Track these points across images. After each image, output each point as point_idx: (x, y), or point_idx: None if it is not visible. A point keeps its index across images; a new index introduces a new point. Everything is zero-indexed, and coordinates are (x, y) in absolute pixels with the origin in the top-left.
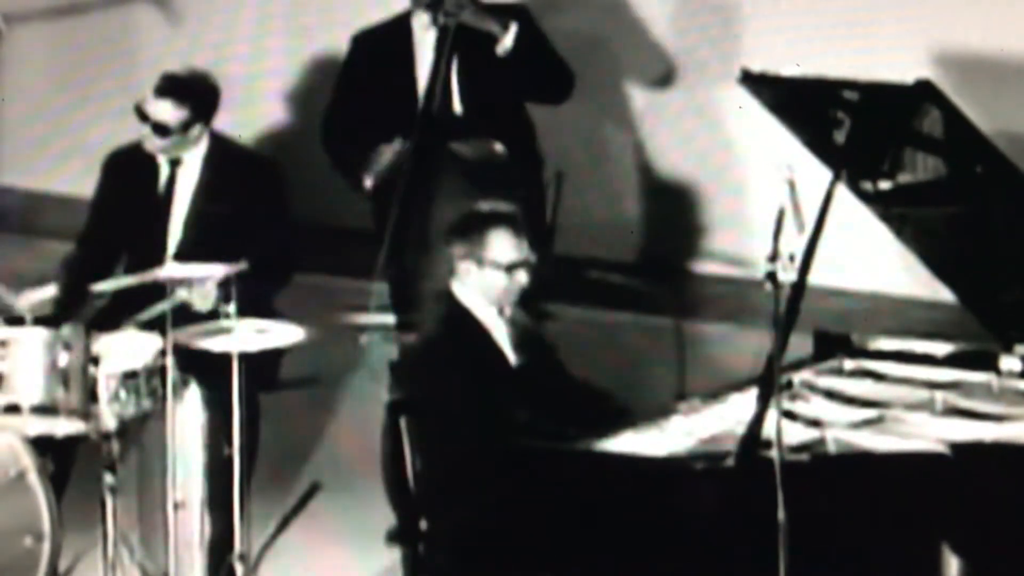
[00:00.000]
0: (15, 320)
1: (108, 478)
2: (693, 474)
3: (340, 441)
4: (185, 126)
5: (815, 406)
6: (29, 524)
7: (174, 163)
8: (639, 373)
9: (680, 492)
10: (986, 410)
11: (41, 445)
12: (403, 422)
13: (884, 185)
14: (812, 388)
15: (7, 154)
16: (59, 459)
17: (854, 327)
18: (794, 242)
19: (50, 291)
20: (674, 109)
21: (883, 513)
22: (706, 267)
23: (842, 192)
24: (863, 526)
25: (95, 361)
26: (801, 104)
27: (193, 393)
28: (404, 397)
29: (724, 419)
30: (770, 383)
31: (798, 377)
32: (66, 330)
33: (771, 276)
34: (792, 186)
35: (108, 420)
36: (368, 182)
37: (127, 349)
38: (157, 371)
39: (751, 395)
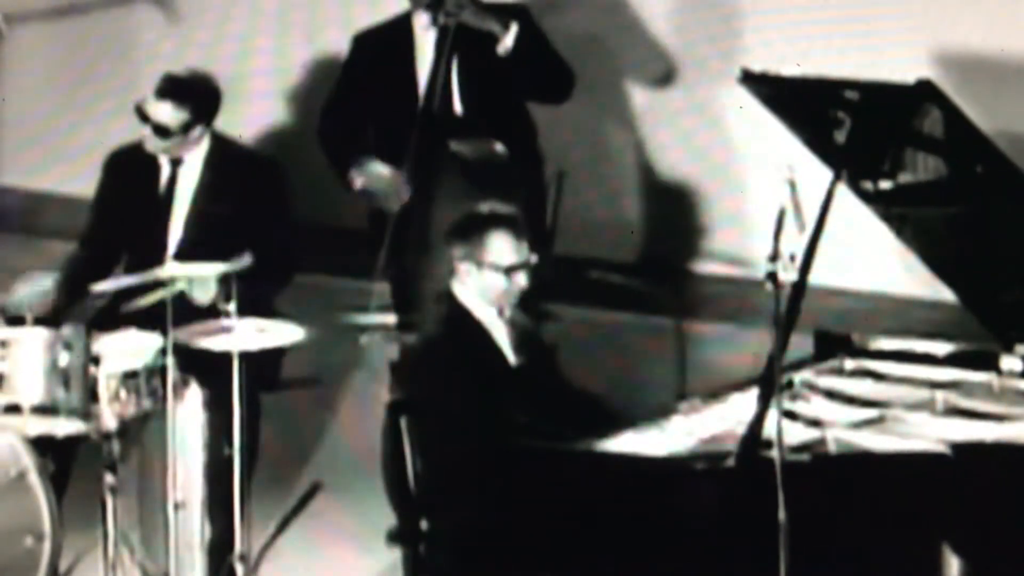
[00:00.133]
0: (16, 320)
1: (108, 478)
2: (694, 474)
3: (341, 441)
4: (186, 127)
5: (816, 406)
6: (30, 524)
7: (175, 163)
8: (640, 373)
9: (681, 492)
10: (987, 410)
11: (42, 445)
12: (403, 422)
13: (885, 185)
14: (813, 388)
15: (7, 154)
16: (60, 459)
17: (855, 327)
18: (795, 242)
19: (46, 283)
20: (674, 109)
21: (884, 513)
22: (707, 267)
23: (843, 192)
24: (864, 526)
25: (96, 361)
26: (802, 104)
27: (194, 393)
28: (404, 397)
29: (725, 419)
30: (771, 383)
31: (799, 377)
32: (67, 330)
33: (772, 276)
34: (793, 186)
35: (108, 420)
36: (358, 182)
37: (128, 349)
38: (158, 371)
39: (752, 395)
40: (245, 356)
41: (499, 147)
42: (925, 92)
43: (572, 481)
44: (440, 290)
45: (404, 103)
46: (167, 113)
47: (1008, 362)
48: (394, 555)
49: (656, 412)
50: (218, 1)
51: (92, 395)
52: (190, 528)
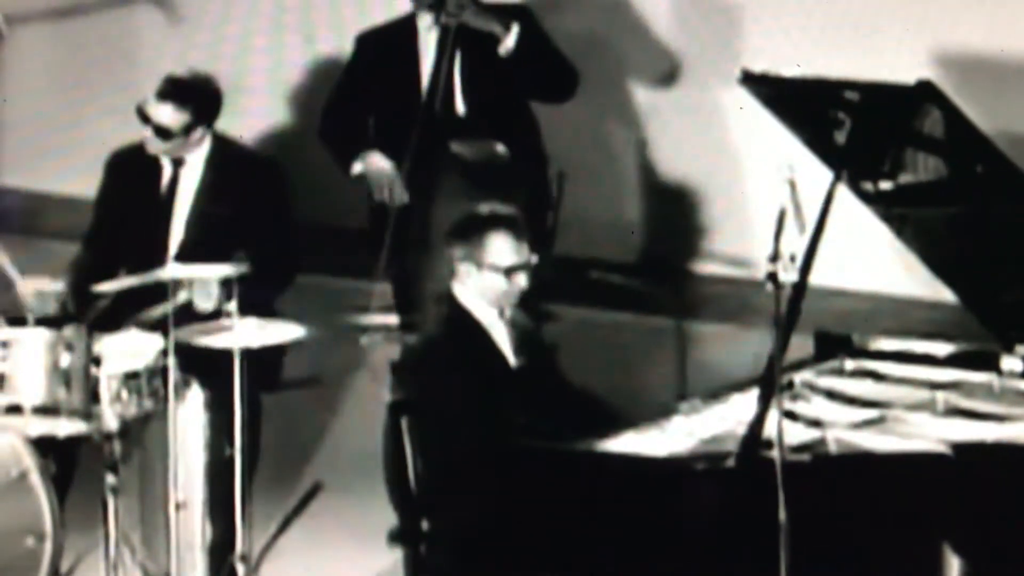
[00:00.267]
0: (17, 320)
1: (110, 478)
2: (694, 474)
3: (341, 442)
4: (187, 129)
5: (816, 406)
6: (31, 524)
7: (176, 164)
8: (640, 373)
9: (681, 492)
10: (987, 410)
11: (43, 446)
12: (404, 422)
13: (885, 185)
14: (813, 388)
15: (8, 155)
16: (61, 460)
17: (855, 327)
18: (795, 242)
19: (57, 286)
20: (675, 109)
21: (884, 513)
22: (707, 267)
23: (843, 192)
24: (864, 526)
25: (97, 362)
26: (802, 104)
27: (195, 394)
28: (405, 397)
29: (725, 419)
30: (771, 383)
31: (799, 377)
32: (68, 331)
33: (772, 276)
34: (793, 186)
35: (110, 421)
36: (356, 167)
37: (129, 350)
38: (159, 372)
39: (752, 395)
40: (246, 357)
41: (500, 148)
42: (925, 92)
43: (572, 481)
44: (440, 291)
45: (406, 103)
46: (168, 115)
47: (1008, 362)
48: (395, 555)
49: (656, 412)
50: (218, 2)
51: (93, 396)
52: (191, 528)
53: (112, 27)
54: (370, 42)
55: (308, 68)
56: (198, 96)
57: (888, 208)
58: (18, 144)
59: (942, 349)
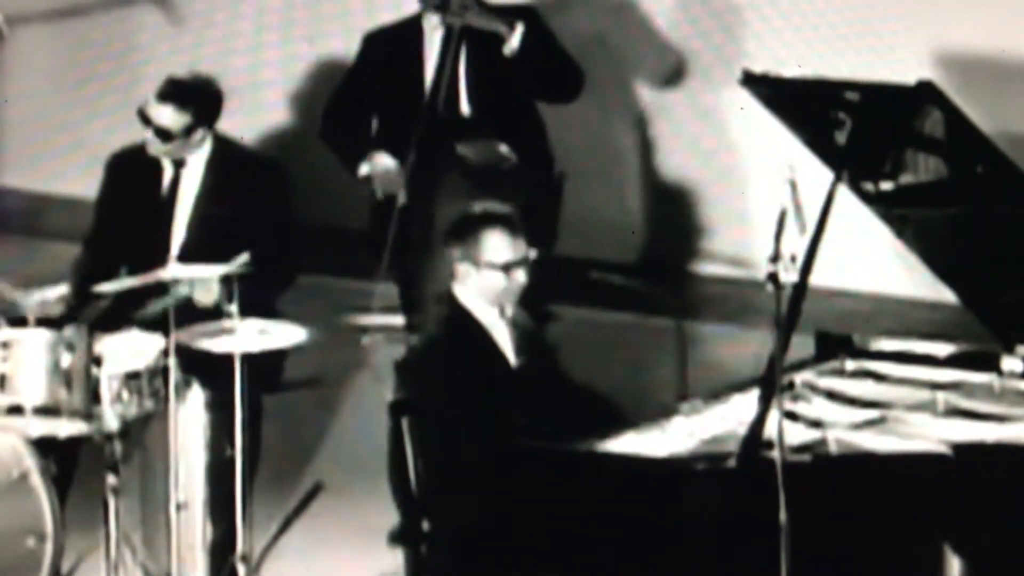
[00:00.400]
0: (18, 321)
1: (110, 479)
2: (695, 475)
3: (342, 442)
4: (188, 130)
5: (817, 407)
6: (32, 525)
7: (178, 164)
8: (641, 374)
9: (682, 493)
10: (988, 411)
11: (44, 446)
12: (405, 423)
13: (885, 186)
14: (814, 389)
15: (9, 155)
16: (62, 460)
17: (856, 328)
18: (796, 243)
19: (60, 290)
20: (675, 110)
21: (885, 514)
22: (708, 268)
23: (843, 193)
24: (865, 527)
25: (98, 362)
26: (803, 105)
27: (195, 394)
28: (406, 397)
29: (726, 420)
30: (772, 384)
31: (800, 378)
32: (69, 331)
33: (773, 277)
34: (794, 187)
35: (110, 421)
36: (363, 169)
37: (130, 350)
38: (159, 372)
39: (753, 396)
40: (247, 357)
41: (504, 148)
42: (926, 93)
43: (573, 481)
44: (441, 291)
45: (411, 103)
46: (169, 116)
47: (1009, 363)
48: (396, 556)
49: (657, 413)
50: (219, 3)
51: (94, 396)
52: (192, 529)
53: (113, 28)
54: (376, 42)
55: (310, 69)
56: (199, 97)
57: (889, 208)
58: (19, 144)
59: (943, 350)
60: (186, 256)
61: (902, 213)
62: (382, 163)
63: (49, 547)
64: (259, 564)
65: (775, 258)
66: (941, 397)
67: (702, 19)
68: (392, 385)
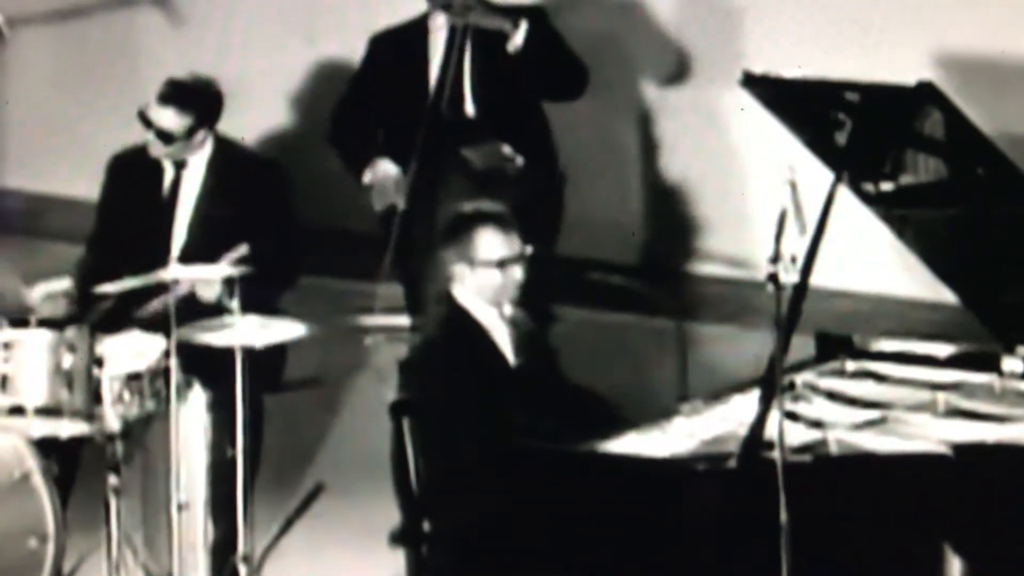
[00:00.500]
0: (20, 322)
1: (112, 479)
2: (695, 475)
3: (344, 443)
4: (189, 132)
5: (817, 407)
6: (33, 525)
7: (179, 166)
8: (641, 374)
9: (682, 493)
10: (988, 411)
11: (45, 447)
12: (406, 423)
13: (886, 186)
14: (814, 389)
15: (11, 156)
16: (63, 461)
17: (856, 328)
18: (796, 244)
19: (64, 283)
20: (675, 111)
21: (885, 514)
22: (708, 268)
23: (844, 194)
24: (865, 527)
25: (99, 363)
26: (803, 105)
27: (197, 395)
28: (407, 398)
29: (726, 420)
30: (772, 384)
31: (800, 378)
32: (70, 332)
33: (773, 278)
34: (794, 188)
35: (112, 422)
36: (367, 177)
37: (131, 351)
38: (161, 373)
39: (753, 396)
40: (248, 358)
41: (507, 150)
42: (926, 94)
43: (573, 482)
44: (441, 292)
45: (415, 104)
46: (170, 119)
47: (1009, 363)
48: (397, 556)
49: (658, 413)
50: (220, 4)
51: (96, 397)
52: (193, 529)
53: (114, 29)
54: (382, 43)
55: (311, 70)
56: (200, 99)
57: (889, 209)
58: (20, 146)
59: (943, 350)
60: (187, 257)
61: (902, 214)
62: (383, 171)
63: (51, 547)
64: (260, 564)
65: (775, 259)
66: (941, 397)
67: (702, 20)
68: (395, 385)
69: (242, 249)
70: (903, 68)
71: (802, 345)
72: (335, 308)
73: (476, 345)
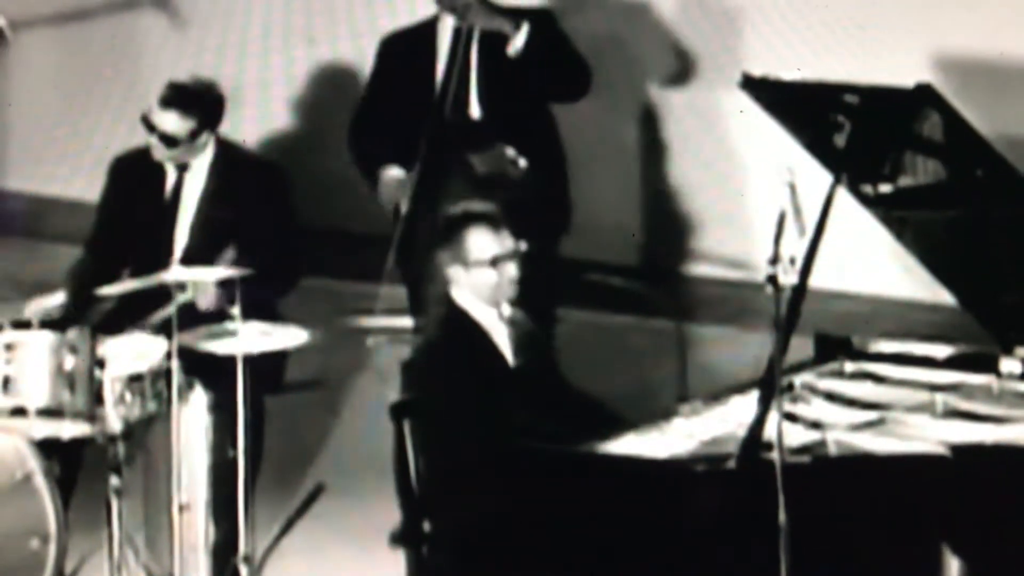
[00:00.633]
0: (22, 324)
1: (113, 480)
2: (694, 476)
3: (344, 443)
4: (192, 135)
5: (816, 408)
6: (35, 526)
7: (181, 168)
8: (641, 375)
9: (681, 494)
10: (987, 412)
11: (47, 448)
12: (406, 424)
13: (885, 188)
14: (813, 390)
15: (13, 159)
16: (65, 462)
17: (855, 329)
18: (795, 245)
19: (58, 298)
20: (675, 112)
21: (884, 515)
22: (707, 270)
23: (843, 195)
24: (864, 528)
25: (101, 364)
26: (802, 108)
27: (198, 396)
28: (408, 399)
29: (725, 421)
30: (771, 385)
31: (799, 379)
32: (72, 333)
33: (772, 279)
34: (793, 189)
35: (114, 423)
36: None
37: (133, 352)
38: (162, 374)
39: (752, 397)
40: (249, 359)
41: (511, 152)
42: (925, 96)
43: (573, 482)
44: (441, 293)
45: (422, 106)
46: (173, 122)
47: (1008, 364)
48: (397, 556)
49: (657, 414)
50: (222, 7)
51: (97, 398)
52: (195, 530)
53: (116, 31)
54: (392, 44)
55: (312, 72)
56: (202, 102)
57: (888, 211)
58: (22, 148)
59: (941, 351)
60: (189, 259)
61: (901, 215)
62: (389, 174)
63: (52, 548)
64: (261, 565)
65: (774, 260)
66: (940, 398)
67: (703, 23)
68: (397, 386)
69: (230, 253)
70: (902, 70)
71: (801, 346)
72: (336, 309)
73: (476, 346)
